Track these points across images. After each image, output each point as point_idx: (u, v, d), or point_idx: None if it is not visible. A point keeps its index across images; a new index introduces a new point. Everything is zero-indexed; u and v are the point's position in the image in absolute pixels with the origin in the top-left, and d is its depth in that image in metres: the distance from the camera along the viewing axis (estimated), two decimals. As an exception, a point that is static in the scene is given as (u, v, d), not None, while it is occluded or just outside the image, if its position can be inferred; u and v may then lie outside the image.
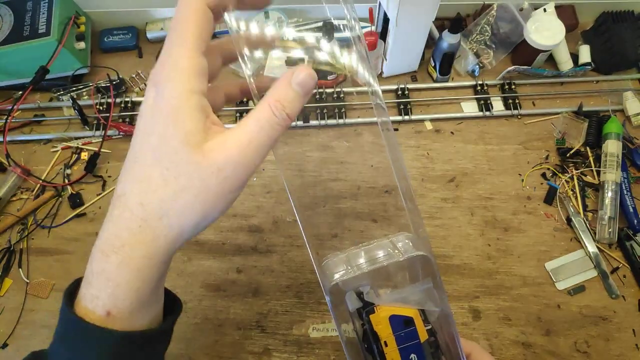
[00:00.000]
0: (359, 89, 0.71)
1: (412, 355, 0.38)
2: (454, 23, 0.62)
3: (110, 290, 0.27)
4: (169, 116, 0.26)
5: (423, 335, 0.38)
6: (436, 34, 0.72)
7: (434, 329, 0.39)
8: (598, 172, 0.64)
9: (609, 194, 0.60)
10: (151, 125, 0.26)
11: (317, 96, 0.69)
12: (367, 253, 0.40)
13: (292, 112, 0.28)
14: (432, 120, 0.69)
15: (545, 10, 0.68)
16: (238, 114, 0.68)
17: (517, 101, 0.69)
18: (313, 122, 0.68)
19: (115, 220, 0.28)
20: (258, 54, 0.35)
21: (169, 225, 0.27)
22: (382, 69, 0.71)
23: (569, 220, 0.61)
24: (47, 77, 0.65)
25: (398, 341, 0.38)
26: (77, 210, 0.62)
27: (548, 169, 0.65)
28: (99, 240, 0.28)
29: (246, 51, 0.32)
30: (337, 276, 0.38)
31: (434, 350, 0.39)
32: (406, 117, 0.68)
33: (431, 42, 0.72)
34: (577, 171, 0.64)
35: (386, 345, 0.38)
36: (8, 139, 0.65)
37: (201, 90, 0.27)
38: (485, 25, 0.72)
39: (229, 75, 0.72)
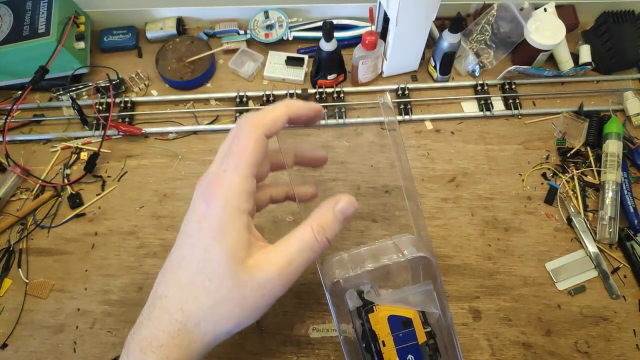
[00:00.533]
0: (359, 89, 0.71)
1: (410, 357, 0.38)
2: (454, 23, 0.62)
3: None
4: (216, 232, 0.28)
5: (421, 337, 0.38)
6: (436, 33, 0.72)
7: (434, 331, 0.39)
8: (598, 172, 0.64)
9: (609, 194, 0.60)
10: (197, 238, 0.29)
11: (317, 96, 0.69)
12: (370, 253, 0.40)
13: (331, 236, 0.31)
14: (432, 120, 0.68)
15: (545, 10, 0.68)
16: (238, 114, 0.68)
17: (517, 101, 0.69)
18: (313, 122, 0.67)
19: (155, 320, 0.29)
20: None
21: (205, 332, 0.29)
22: (382, 69, 0.71)
23: (569, 220, 0.61)
24: (47, 77, 0.65)
25: (396, 341, 0.38)
26: (77, 210, 0.62)
27: (548, 169, 0.65)
28: (137, 336, 0.30)
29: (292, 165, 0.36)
30: (338, 274, 0.38)
31: (432, 353, 0.39)
32: (406, 117, 0.68)
33: (431, 42, 0.72)
34: (577, 171, 0.64)
35: (384, 345, 0.38)
36: (7, 138, 0.65)
37: (248, 210, 0.29)
38: (486, 25, 0.72)
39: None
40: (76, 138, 0.67)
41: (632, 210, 0.60)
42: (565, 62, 0.71)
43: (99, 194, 0.63)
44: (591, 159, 0.65)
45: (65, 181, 0.64)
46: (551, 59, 0.72)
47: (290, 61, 0.72)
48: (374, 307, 0.38)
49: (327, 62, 0.66)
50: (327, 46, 0.64)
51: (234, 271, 0.28)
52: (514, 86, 0.70)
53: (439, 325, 0.40)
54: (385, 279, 0.40)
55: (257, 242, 0.30)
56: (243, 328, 0.30)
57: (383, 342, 0.38)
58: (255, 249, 0.29)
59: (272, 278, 0.29)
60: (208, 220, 0.28)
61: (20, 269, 0.58)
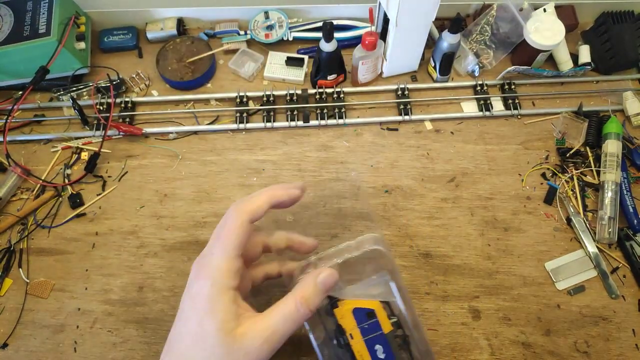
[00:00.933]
0: (359, 89, 0.71)
1: (377, 347, 0.39)
2: (454, 23, 0.62)
3: None
4: (207, 308, 0.32)
5: (386, 327, 0.39)
6: (436, 34, 0.72)
7: (400, 321, 0.40)
8: (598, 172, 0.64)
9: (608, 194, 0.60)
10: (192, 314, 0.33)
11: (317, 96, 0.69)
12: (336, 252, 0.41)
13: (313, 306, 0.34)
14: (432, 120, 0.69)
15: (545, 10, 0.68)
16: (238, 114, 0.68)
17: (517, 101, 0.69)
18: (313, 122, 0.68)
19: None
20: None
21: None
22: (382, 70, 0.71)
23: (568, 220, 0.61)
24: (47, 77, 0.65)
25: (362, 333, 0.39)
26: (77, 210, 0.62)
27: (548, 169, 0.65)
28: None
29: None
30: (300, 274, 0.40)
31: (401, 342, 0.39)
32: (406, 117, 0.68)
33: (431, 42, 0.72)
34: (577, 171, 0.64)
35: (352, 337, 0.39)
36: (8, 138, 0.65)
37: (234, 286, 0.34)
38: (485, 25, 0.72)
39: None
40: (77, 138, 0.67)
41: (631, 210, 0.60)
42: (565, 63, 0.71)
43: (99, 194, 0.63)
44: (590, 159, 0.65)
45: (66, 181, 0.64)
46: (551, 59, 0.72)
47: (291, 61, 0.72)
48: (338, 302, 0.39)
49: (327, 62, 0.66)
50: (327, 46, 0.64)
51: (225, 341, 0.32)
52: (513, 86, 0.70)
53: (404, 316, 0.41)
54: (346, 273, 0.40)
55: (245, 312, 0.33)
56: None
57: (351, 334, 0.39)
58: (243, 319, 0.33)
59: (258, 346, 0.32)
60: (199, 298, 0.33)
61: (20, 269, 0.58)
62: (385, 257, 0.41)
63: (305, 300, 0.34)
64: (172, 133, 0.68)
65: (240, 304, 0.34)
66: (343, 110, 0.68)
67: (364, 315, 0.39)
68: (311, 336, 0.40)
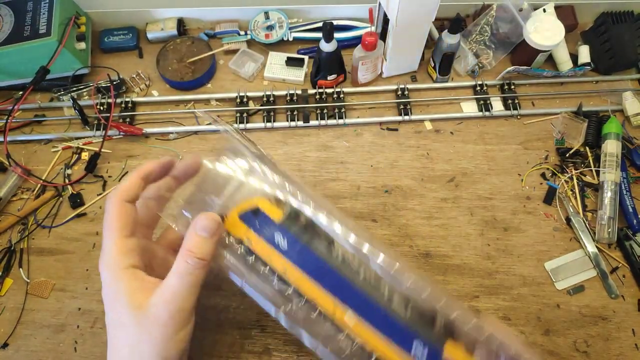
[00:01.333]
0: (358, 89, 0.71)
1: (277, 238, 0.37)
2: (454, 23, 0.62)
3: None
4: (111, 292, 0.34)
5: (277, 215, 0.38)
6: (436, 34, 0.72)
7: (288, 201, 0.38)
8: (597, 172, 0.64)
9: (608, 194, 0.60)
10: (106, 302, 0.34)
11: (317, 96, 0.69)
12: (195, 190, 0.41)
13: (203, 255, 0.34)
14: (431, 120, 0.69)
15: (544, 10, 0.68)
16: (238, 114, 0.68)
17: (516, 101, 0.69)
18: (313, 122, 0.68)
19: None
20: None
21: None
22: (381, 70, 0.71)
23: (568, 220, 0.61)
24: (48, 77, 0.66)
25: (257, 232, 0.38)
26: (78, 210, 0.62)
27: (547, 169, 0.65)
28: None
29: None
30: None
31: (305, 223, 0.38)
32: (406, 117, 0.68)
33: (431, 43, 0.72)
34: (576, 171, 0.64)
35: (250, 242, 0.38)
36: (9, 139, 0.66)
37: (131, 264, 0.34)
38: (485, 26, 0.72)
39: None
40: (77, 138, 0.67)
41: (630, 210, 0.60)
42: (565, 63, 0.71)
43: (100, 194, 0.63)
44: (590, 159, 0.65)
45: (66, 181, 0.64)
46: (550, 60, 0.73)
47: (291, 62, 0.72)
48: (224, 218, 0.38)
49: (327, 62, 0.66)
50: (327, 47, 0.64)
51: (135, 315, 0.33)
52: (513, 86, 0.70)
53: (287, 191, 0.39)
54: (211, 192, 0.39)
55: (151, 285, 0.34)
56: None
57: (248, 239, 0.38)
58: (149, 291, 0.33)
59: (163, 310, 0.33)
60: (105, 285, 0.34)
61: (21, 269, 0.58)
62: (228, 140, 0.40)
63: (192, 252, 0.34)
64: (172, 133, 0.68)
65: (145, 279, 0.34)
66: (343, 110, 0.69)
67: (251, 217, 0.38)
68: (232, 275, 0.38)
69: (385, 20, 0.64)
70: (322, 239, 0.38)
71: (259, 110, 0.69)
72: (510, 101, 0.69)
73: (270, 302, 0.37)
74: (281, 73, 0.72)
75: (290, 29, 0.73)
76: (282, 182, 0.39)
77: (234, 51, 0.74)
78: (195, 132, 0.68)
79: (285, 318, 0.37)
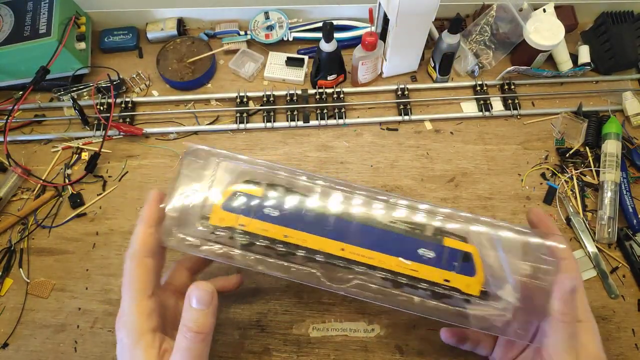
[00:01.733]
0: (358, 89, 0.71)
1: (267, 210, 0.39)
2: (454, 23, 0.62)
3: None
4: (127, 357, 0.34)
5: (258, 192, 0.39)
6: (436, 34, 0.72)
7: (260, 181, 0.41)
8: (597, 172, 0.64)
9: (608, 194, 0.60)
10: None
11: (317, 96, 0.69)
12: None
13: (200, 328, 0.34)
14: (431, 120, 0.69)
15: (544, 10, 0.68)
16: (238, 114, 0.68)
17: (516, 101, 0.69)
18: (313, 122, 0.68)
19: None
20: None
21: None
22: (381, 70, 0.71)
23: (568, 220, 0.61)
24: (48, 77, 0.66)
25: (244, 214, 0.39)
26: (78, 210, 0.62)
27: (547, 169, 0.65)
28: None
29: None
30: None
31: (285, 188, 0.40)
32: (406, 117, 0.68)
33: (431, 43, 0.72)
34: (576, 171, 0.64)
35: (242, 224, 0.39)
36: (9, 139, 0.66)
37: (151, 328, 0.34)
38: (485, 26, 0.72)
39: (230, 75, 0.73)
40: (77, 138, 0.67)
41: (630, 210, 0.60)
42: (564, 63, 0.71)
43: (99, 194, 0.63)
44: (590, 159, 0.65)
45: (66, 181, 0.64)
46: (550, 60, 0.73)
47: (291, 62, 0.72)
48: (207, 216, 0.39)
49: (327, 62, 0.66)
50: (327, 47, 0.64)
51: None
52: (513, 86, 0.70)
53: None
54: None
55: (166, 354, 0.34)
56: None
57: (241, 224, 0.39)
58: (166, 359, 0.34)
59: None
60: (121, 349, 0.35)
61: (21, 269, 0.58)
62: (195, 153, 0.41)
63: (188, 327, 0.34)
64: (172, 133, 0.68)
65: (161, 346, 0.34)
66: (343, 110, 0.69)
67: (235, 203, 0.39)
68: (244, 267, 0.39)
69: (385, 20, 0.64)
70: (307, 196, 0.40)
71: (259, 110, 0.69)
72: (510, 101, 0.69)
73: (291, 274, 0.40)
74: (281, 73, 0.72)
75: (290, 29, 0.73)
76: (251, 161, 0.41)
77: (234, 51, 0.74)
78: (195, 132, 0.68)
79: (320, 278, 0.40)
